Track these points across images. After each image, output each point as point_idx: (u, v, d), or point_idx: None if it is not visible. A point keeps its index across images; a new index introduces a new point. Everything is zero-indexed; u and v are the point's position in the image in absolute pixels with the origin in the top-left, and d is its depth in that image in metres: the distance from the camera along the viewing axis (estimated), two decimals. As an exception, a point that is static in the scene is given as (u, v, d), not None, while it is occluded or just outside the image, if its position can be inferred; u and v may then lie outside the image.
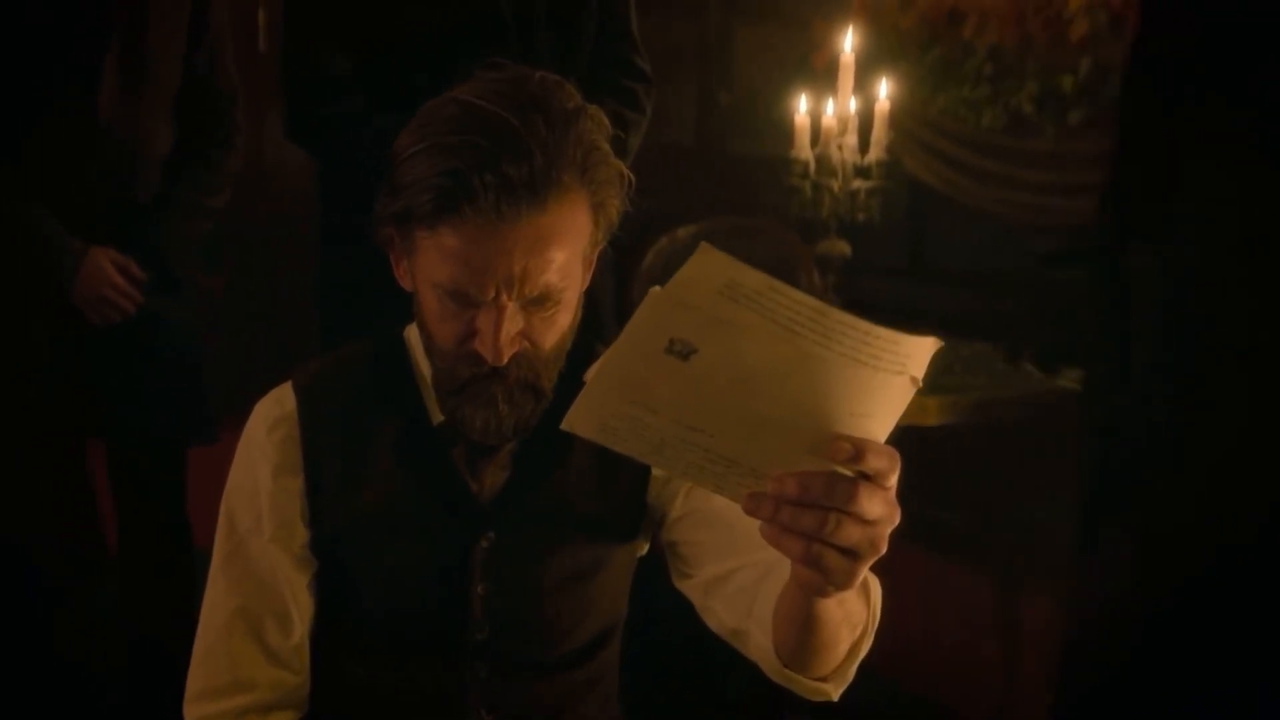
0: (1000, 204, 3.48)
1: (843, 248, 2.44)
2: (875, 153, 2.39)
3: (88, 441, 2.32)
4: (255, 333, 4.63)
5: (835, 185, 2.39)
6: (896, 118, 2.55)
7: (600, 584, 1.32)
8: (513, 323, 1.15)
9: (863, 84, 2.43)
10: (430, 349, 1.23)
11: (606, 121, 1.18)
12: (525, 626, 1.29)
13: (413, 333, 1.29)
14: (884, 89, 2.40)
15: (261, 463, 1.27)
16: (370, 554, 1.26)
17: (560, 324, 1.20)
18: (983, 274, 3.63)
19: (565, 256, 1.15)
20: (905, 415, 2.28)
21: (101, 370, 2.20)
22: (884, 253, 3.50)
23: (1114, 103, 3.09)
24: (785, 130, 2.46)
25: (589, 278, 1.24)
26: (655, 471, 1.29)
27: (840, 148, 2.38)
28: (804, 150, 2.40)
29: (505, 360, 1.16)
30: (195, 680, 1.29)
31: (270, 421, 1.27)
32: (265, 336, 4.61)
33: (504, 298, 1.14)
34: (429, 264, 1.15)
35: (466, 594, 1.27)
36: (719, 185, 4.43)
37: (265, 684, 1.27)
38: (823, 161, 2.38)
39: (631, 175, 1.19)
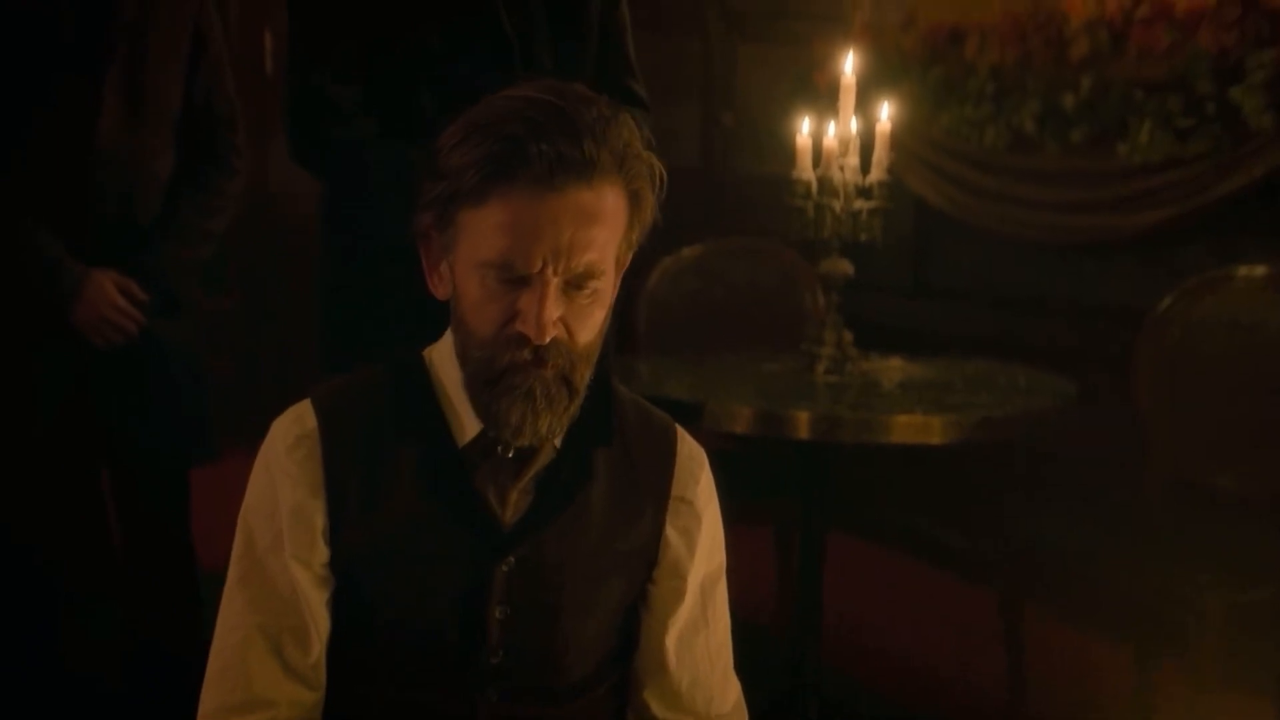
0: (1003, 222, 3.49)
1: (845, 267, 2.45)
2: (877, 173, 2.39)
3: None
4: (260, 355, 4.65)
5: (837, 206, 2.39)
6: (899, 137, 2.57)
7: (616, 611, 1.34)
8: (555, 303, 1.17)
9: (865, 105, 2.45)
10: (467, 345, 1.22)
11: (635, 123, 1.22)
12: (540, 652, 1.29)
13: (435, 352, 1.30)
14: (885, 111, 2.41)
15: (282, 480, 1.26)
16: (389, 575, 1.26)
17: (595, 319, 1.21)
18: (986, 292, 3.64)
19: (606, 237, 1.18)
20: (909, 434, 2.30)
21: (104, 392, 2.21)
22: (888, 271, 3.51)
23: (1116, 121, 3.10)
24: (788, 149, 2.48)
25: (619, 282, 1.25)
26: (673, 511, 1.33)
27: (842, 168, 2.39)
28: (806, 171, 2.41)
29: (548, 338, 1.17)
30: (210, 697, 1.27)
31: (291, 439, 1.27)
32: (269, 358, 4.62)
33: (549, 271, 1.16)
34: (474, 243, 1.18)
35: (484, 617, 1.27)
36: (724, 205, 4.45)
37: (283, 701, 1.26)
38: (825, 182, 2.39)
39: (664, 171, 1.22)
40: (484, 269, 1.18)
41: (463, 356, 1.24)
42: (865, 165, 2.41)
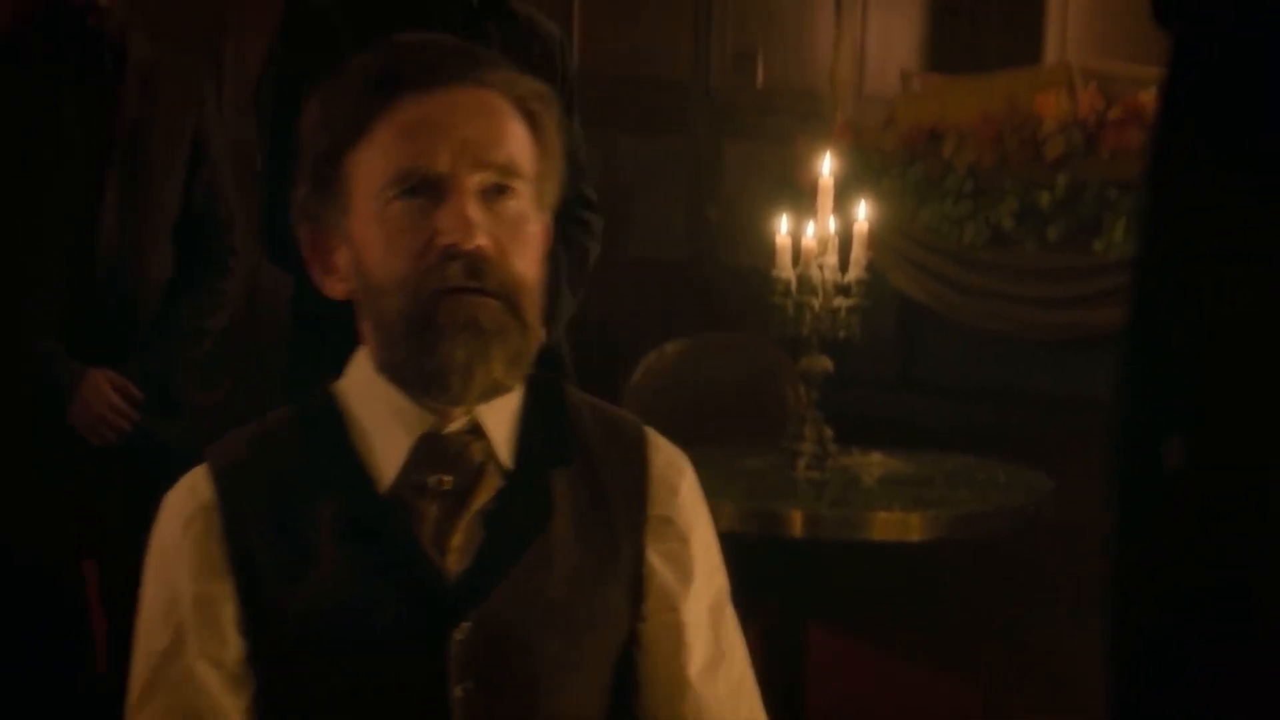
0: (985, 317, 3.54)
1: (825, 364, 2.49)
2: (855, 272, 2.44)
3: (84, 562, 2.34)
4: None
5: (816, 303, 2.43)
6: (881, 233, 2.62)
7: (604, 669, 1.12)
8: (476, 207, 1.03)
9: (846, 202, 2.50)
10: (386, 307, 1.05)
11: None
12: None
13: (344, 383, 1.13)
14: (862, 210, 2.47)
15: (178, 567, 1.07)
16: (323, 662, 1.04)
17: (529, 245, 1.07)
18: (969, 385, 3.67)
19: (514, 138, 1.06)
20: (889, 531, 2.31)
21: (98, 487, 2.23)
22: (872, 365, 3.55)
23: (1091, 219, 3.16)
24: (769, 243, 2.53)
25: (550, 242, 1.12)
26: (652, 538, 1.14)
27: (821, 267, 2.44)
28: (786, 269, 2.46)
29: (475, 240, 1.02)
30: None
31: (185, 517, 1.08)
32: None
33: (461, 168, 1.03)
34: (369, 176, 1.05)
35: (444, 700, 1.04)
36: (709, 298, 4.50)
37: None
38: (804, 280, 2.44)
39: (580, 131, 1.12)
40: (386, 193, 1.04)
41: (385, 330, 1.06)
42: (844, 263, 2.46)
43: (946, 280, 3.61)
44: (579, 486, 1.11)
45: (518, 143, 1.07)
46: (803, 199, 3.50)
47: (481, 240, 1.03)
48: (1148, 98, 3.08)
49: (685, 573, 1.14)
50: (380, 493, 1.07)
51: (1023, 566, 3.08)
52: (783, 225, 2.49)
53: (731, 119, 4.69)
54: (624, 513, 1.12)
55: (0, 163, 2.16)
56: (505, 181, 1.05)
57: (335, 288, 1.11)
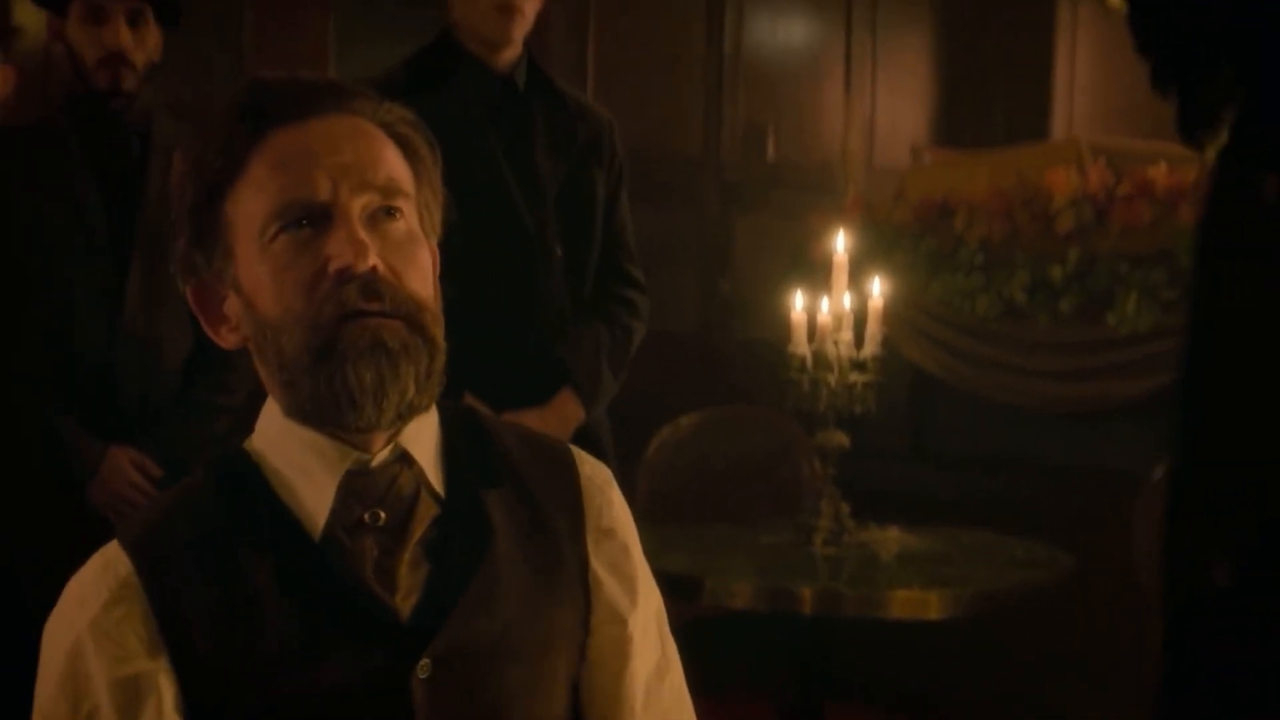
0: (998, 389, 3.54)
1: (840, 439, 2.49)
2: (870, 348, 2.46)
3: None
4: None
5: (832, 379, 2.44)
6: (893, 306, 2.64)
7: (565, 690, 1.11)
8: (363, 229, 1.01)
9: (858, 275, 2.52)
10: (284, 344, 1.02)
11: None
12: None
13: (254, 439, 1.09)
14: (877, 287, 2.49)
15: (95, 656, 0.98)
16: None
17: (421, 262, 1.05)
18: (982, 456, 3.67)
19: (394, 159, 1.04)
20: (907, 609, 2.30)
21: None
22: (885, 437, 3.55)
23: (1103, 292, 3.18)
24: (784, 317, 2.54)
25: (437, 267, 1.10)
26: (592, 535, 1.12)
27: (836, 343, 2.45)
28: (801, 345, 2.47)
29: (369, 260, 0.99)
30: None
31: (104, 596, 1.00)
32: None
33: (343, 193, 1.01)
34: (249, 214, 1.01)
35: None
36: (721, 371, 4.51)
37: None
38: (819, 356, 2.45)
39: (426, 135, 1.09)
40: (270, 229, 1.00)
41: (287, 368, 1.02)
42: (859, 337, 2.47)
43: (959, 353, 3.62)
44: (515, 507, 1.09)
45: (395, 165, 1.05)
46: (815, 273, 3.52)
47: (375, 261, 1.00)
48: (1156, 173, 3.11)
49: (630, 583, 1.13)
50: (315, 539, 1.03)
51: (1041, 640, 3.06)
52: (798, 301, 2.51)
53: (742, 192, 4.73)
54: (564, 528, 1.11)
55: (25, 245, 2.20)
56: (390, 203, 1.03)
57: (228, 338, 1.08)
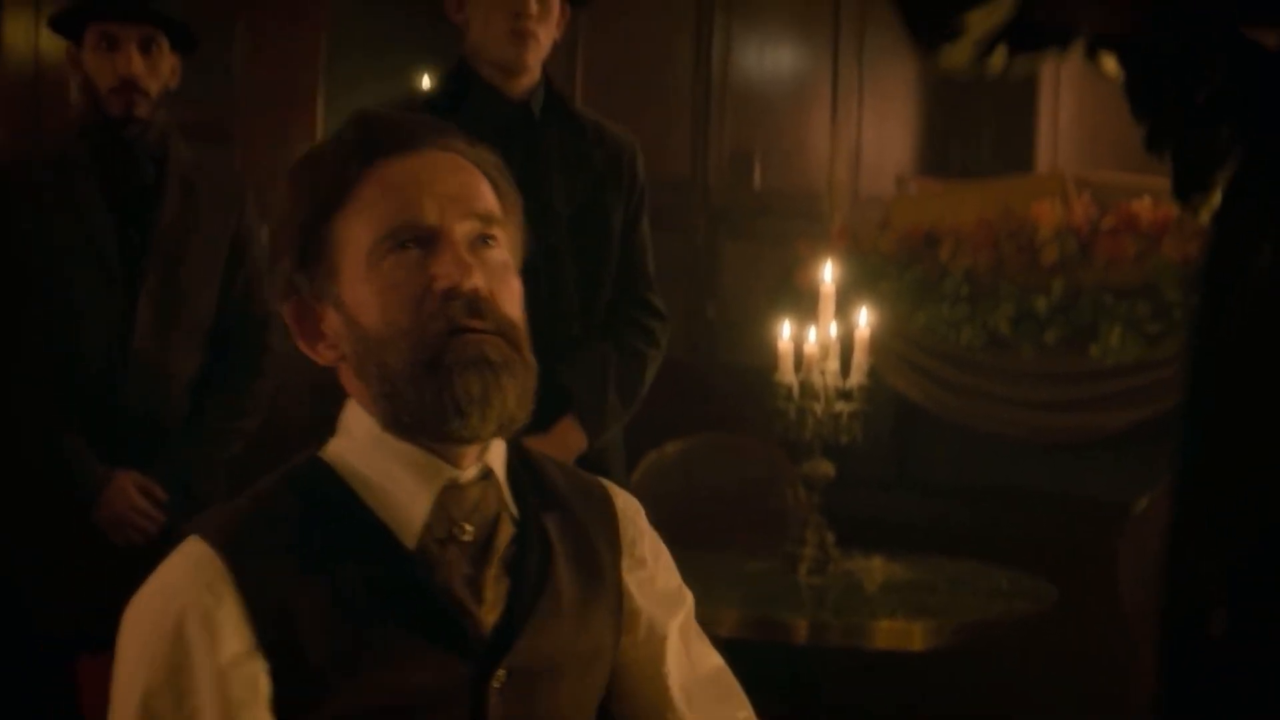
0: (982, 419, 3.56)
1: (827, 468, 2.50)
2: (857, 377, 2.47)
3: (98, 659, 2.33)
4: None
5: (818, 408, 2.45)
6: (879, 335, 2.65)
7: (596, 700, 1.19)
8: (468, 253, 1.08)
9: (844, 303, 2.53)
10: (387, 355, 1.07)
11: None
12: None
13: (333, 450, 1.13)
14: (864, 317, 2.50)
15: (199, 645, 1.01)
16: None
17: (513, 289, 1.12)
18: (966, 486, 3.68)
19: (490, 194, 1.13)
20: (891, 640, 2.30)
21: (124, 587, 2.23)
22: (869, 465, 3.55)
23: (1087, 324, 3.20)
24: (770, 344, 2.56)
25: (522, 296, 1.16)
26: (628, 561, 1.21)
27: (823, 373, 2.46)
28: (788, 374, 2.48)
29: (472, 280, 1.07)
30: None
31: (202, 592, 1.03)
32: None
33: (449, 219, 1.09)
34: (358, 236, 1.09)
35: None
36: (707, 397, 4.52)
37: None
38: (806, 385, 2.46)
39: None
40: (380, 248, 1.08)
41: (391, 380, 1.07)
42: (845, 367, 2.48)
43: (944, 382, 3.64)
44: (565, 531, 1.16)
45: (490, 198, 1.13)
46: (801, 299, 3.53)
47: (478, 281, 1.07)
48: (1140, 207, 3.14)
49: (657, 599, 1.22)
50: (407, 551, 1.08)
51: (1025, 670, 3.07)
52: (785, 330, 2.52)
53: (729, 218, 4.75)
54: (605, 555, 1.19)
55: (38, 268, 2.23)
56: (488, 231, 1.11)
57: (324, 355, 1.13)
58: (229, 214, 2.35)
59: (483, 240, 1.11)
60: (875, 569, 2.59)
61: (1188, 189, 0.84)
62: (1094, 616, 2.71)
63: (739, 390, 3.93)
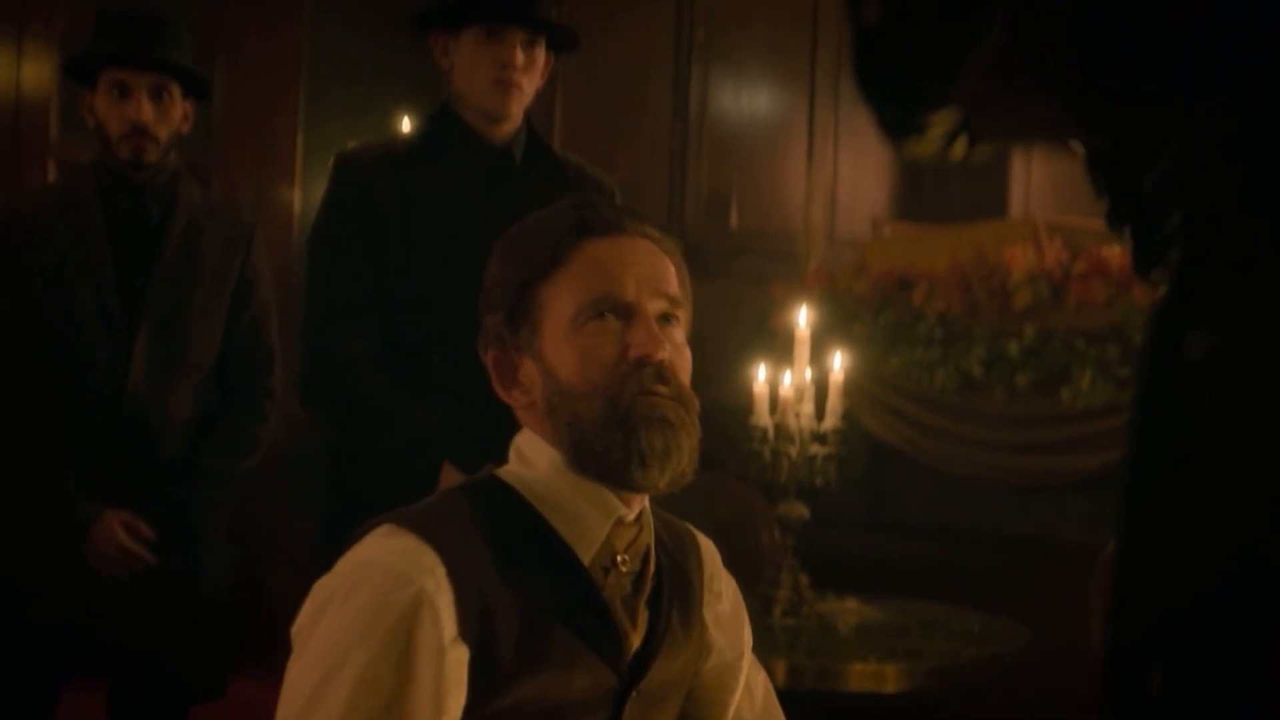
0: (955, 461, 3.58)
1: (801, 511, 2.52)
2: (831, 420, 2.49)
3: (95, 685, 2.35)
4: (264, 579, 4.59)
5: (793, 451, 2.48)
6: (853, 377, 2.67)
7: (677, 716, 1.34)
8: (659, 327, 1.23)
9: (819, 345, 2.56)
10: (581, 407, 1.20)
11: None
12: None
13: (514, 472, 1.26)
14: (838, 361, 2.53)
15: (424, 624, 1.10)
16: None
17: (687, 357, 1.27)
18: (939, 527, 3.70)
19: (674, 277, 1.27)
20: (864, 682, 2.30)
21: (114, 619, 2.25)
22: (843, 505, 3.57)
23: (1059, 368, 3.24)
24: (745, 384, 2.58)
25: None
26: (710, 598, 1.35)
27: (798, 415, 2.49)
28: (763, 417, 2.51)
29: (665, 353, 1.21)
30: None
31: (425, 577, 1.12)
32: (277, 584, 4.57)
33: (644, 296, 1.23)
34: (563, 303, 1.23)
35: None
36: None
37: None
38: (781, 428, 2.48)
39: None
40: (582, 315, 1.22)
41: (582, 429, 1.20)
42: (820, 409, 2.51)
43: (917, 424, 3.66)
44: (673, 568, 1.31)
45: (675, 283, 1.28)
46: (776, 340, 3.55)
47: (667, 353, 1.22)
48: (1110, 253, 3.19)
49: (728, 632, 1.37)
50: (584, 568, 1.21)
51: (998, 713, 3.08)
52: (760, 373, 2.55)
53: (705, 258, 4.78)
54: (695, 591, 1.33)
55: (36, 307, 2.25)
56: (673, 311, 1.26)
57: (519, 399, 1.27)
58: (234, 255, 2.37)
59: (666, 319, 1.25)
60: (849, 611, 2.61)
61: (1146, 265, 0.87)
62: (1066, 658, 2.72)
63: (714, 431, 3.94)
